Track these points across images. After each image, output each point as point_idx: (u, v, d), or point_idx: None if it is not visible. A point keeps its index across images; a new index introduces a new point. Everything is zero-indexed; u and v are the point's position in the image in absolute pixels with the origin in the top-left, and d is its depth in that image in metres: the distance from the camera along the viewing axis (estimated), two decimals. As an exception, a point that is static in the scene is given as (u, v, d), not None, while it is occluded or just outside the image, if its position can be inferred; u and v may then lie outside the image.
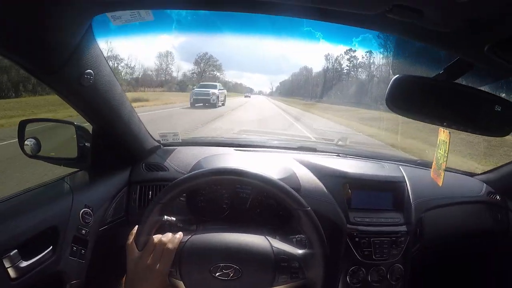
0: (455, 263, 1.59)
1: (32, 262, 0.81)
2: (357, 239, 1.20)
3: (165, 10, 0.93)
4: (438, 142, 0.85)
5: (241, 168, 0.86)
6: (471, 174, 1.69)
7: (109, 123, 1.07)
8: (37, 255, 0.83)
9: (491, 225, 1.48)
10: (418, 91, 0.69)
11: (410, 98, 0.69)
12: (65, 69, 0.77)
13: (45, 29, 0.66)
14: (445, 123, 0.71)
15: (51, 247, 0.88)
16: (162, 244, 0.83)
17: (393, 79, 0.69)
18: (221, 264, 0.80)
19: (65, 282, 0.92)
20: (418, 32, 0.63)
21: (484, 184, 1.57)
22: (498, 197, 1.53)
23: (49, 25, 0.65)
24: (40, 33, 0.66)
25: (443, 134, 0.82)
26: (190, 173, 0.88)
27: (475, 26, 0.54)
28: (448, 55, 0.72)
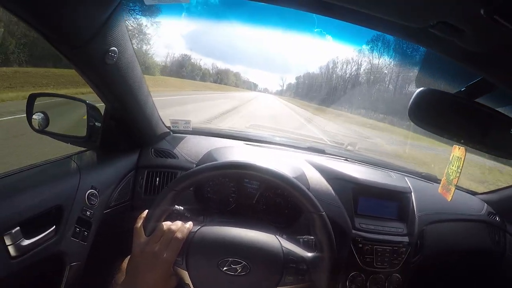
0: (452, 279, 1.60)
1: (34, 241, 0.79)
2: (360, 245, 1.20)
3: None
4: (451, 158, 0.85)
5: (259, 164, 0.85)
6: (473, 193, 1.70)
7: (124, 104, 1.05)
8: (39, 234, 0.81)
9: (489, 245, 1.49)
10: (439, 105, 0.69)
11: (431, 112, 0.69)
12: (90, 45, 0.75)
13: (76, 3, 0.64)
14: (462, 141, 0.71)
15: (54, 226, 0.86)
16: (171, 232, 0.81)
17: (417, 91, 0.69)
18: (230, 259, 0.79)
19: (66, 263, 0.90)
20: (451, 49, 0.63)
21: (485, 204, 1.59)
22: (497, 218, 1.55)
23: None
24: (71, 6, 0.65)
25: (458, 150, 0.82)
26: (210, 163, 0.86)
27: (510, 51, 0.54)
28: (472, 74, 0.71)
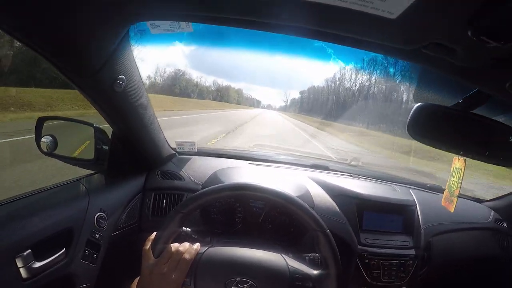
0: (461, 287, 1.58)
1: (45, 264, 0.80)
2: (366, 261, 1.21)
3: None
4: (452, 169, 0.86)
5: (264, 185, 0.87)
6: (479, 200, 1.70)
7: (131, 128, 1.07)
8: (50, 257, 0.82)
9: (497, 252, 1.48)
10: (437, 119, 0.70)
11: (430, 126, 0.71)
12: (100, 74, 0.78)
13: (85, 34, 0.67)
14: (461, 152, 0.72)
15: (64, 249, 0.87)
16: (179, 253, 0.83)
17: (415, 106, 0.70)
18: (237, 279, 0.80)
19: (75, 285, 0.91)
20: (445, 66, 0.65)
21: (492, 211, 1.58)
22: (505, 225, 1.54)
23: (89, 31, 0.66)
24: (80, 38, 0.67)
25: (458, 161, 0.83)
26: (216, 186, 0.88)
27: (500, 64, 0.56)
28: (467, 86, 0.73)
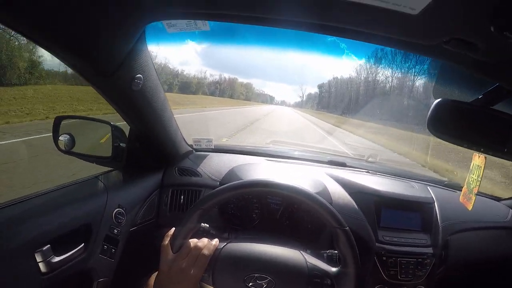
0: None
1: (63, 258, 0.82)
2: (384, 258, 1.19)
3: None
4: (471, 166, 0.84)
5: (283, 182, 0.86)
6: (498, 199, 1.65)
7: (149, 126, 1.09)
8: (69, 252, 0.84)
9: None
10: (457, 115, 0.69)
11: (449, 122, 0.69)
12: (118, 73, 0.79)
13: (102, 34, 0.68)
14: (482, 149, 0.70)
15: (83, 244, 0.89)
16: (198, 249, 0.83)
17: (434, 103, 0.69)
18: (256, 275, 0.80)
19: (94, 279, 0.94)
20: (465, 61, 0.64)
21: (510, 210, 1.54)
22: None
23: (106, 31, 0.67)
24: (98, 39, 0.68)
25: (478, 159, 0.82)
26: (235, 182, 0.88)
27: None
28: (488, 81, 0.71)
